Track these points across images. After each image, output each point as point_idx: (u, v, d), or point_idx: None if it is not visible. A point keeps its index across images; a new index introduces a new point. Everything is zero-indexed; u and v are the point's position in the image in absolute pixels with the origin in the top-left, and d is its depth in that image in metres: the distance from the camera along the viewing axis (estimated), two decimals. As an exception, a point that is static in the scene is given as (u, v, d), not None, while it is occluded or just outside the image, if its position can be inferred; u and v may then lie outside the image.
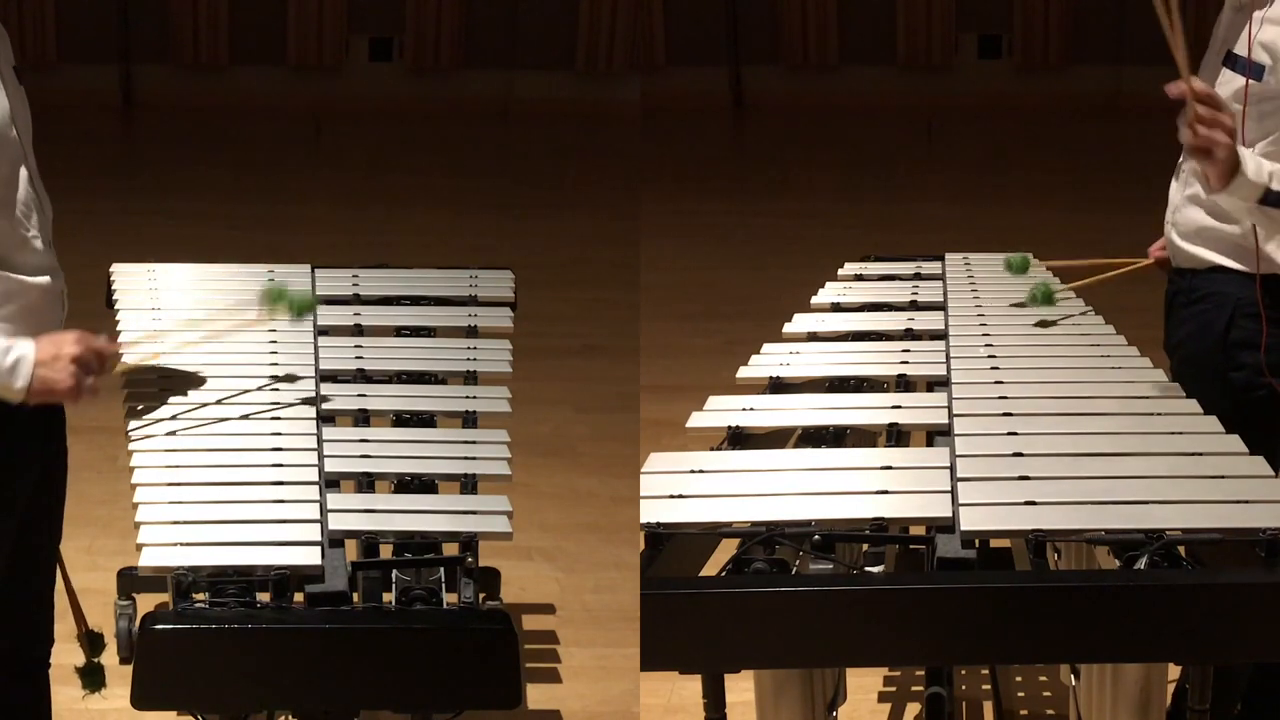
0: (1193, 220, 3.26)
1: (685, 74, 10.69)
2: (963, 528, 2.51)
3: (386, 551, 2.67)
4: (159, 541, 2.53)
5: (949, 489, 2.63)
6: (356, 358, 3.32)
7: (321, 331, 3.45)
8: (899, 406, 3.06)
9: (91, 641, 3.38)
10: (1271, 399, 3.19)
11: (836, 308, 3.72)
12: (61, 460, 3.00)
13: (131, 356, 3.09)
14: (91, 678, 3.39)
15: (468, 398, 3.20)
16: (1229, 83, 3.16)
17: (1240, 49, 3.13)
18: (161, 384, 3.09)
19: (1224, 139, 2.84)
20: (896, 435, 2.98)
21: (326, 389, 3.15)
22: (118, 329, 3.39)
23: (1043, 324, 3.44)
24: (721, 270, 7.64)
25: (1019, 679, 4.00)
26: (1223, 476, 2.62)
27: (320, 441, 2.89)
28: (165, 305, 3.53)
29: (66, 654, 3.25)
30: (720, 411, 3.05)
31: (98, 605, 3.44)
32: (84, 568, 3.30)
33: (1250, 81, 3.10)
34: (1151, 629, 2.30)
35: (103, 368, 2.76)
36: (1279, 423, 3.09)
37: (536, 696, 4.05)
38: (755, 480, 2.71)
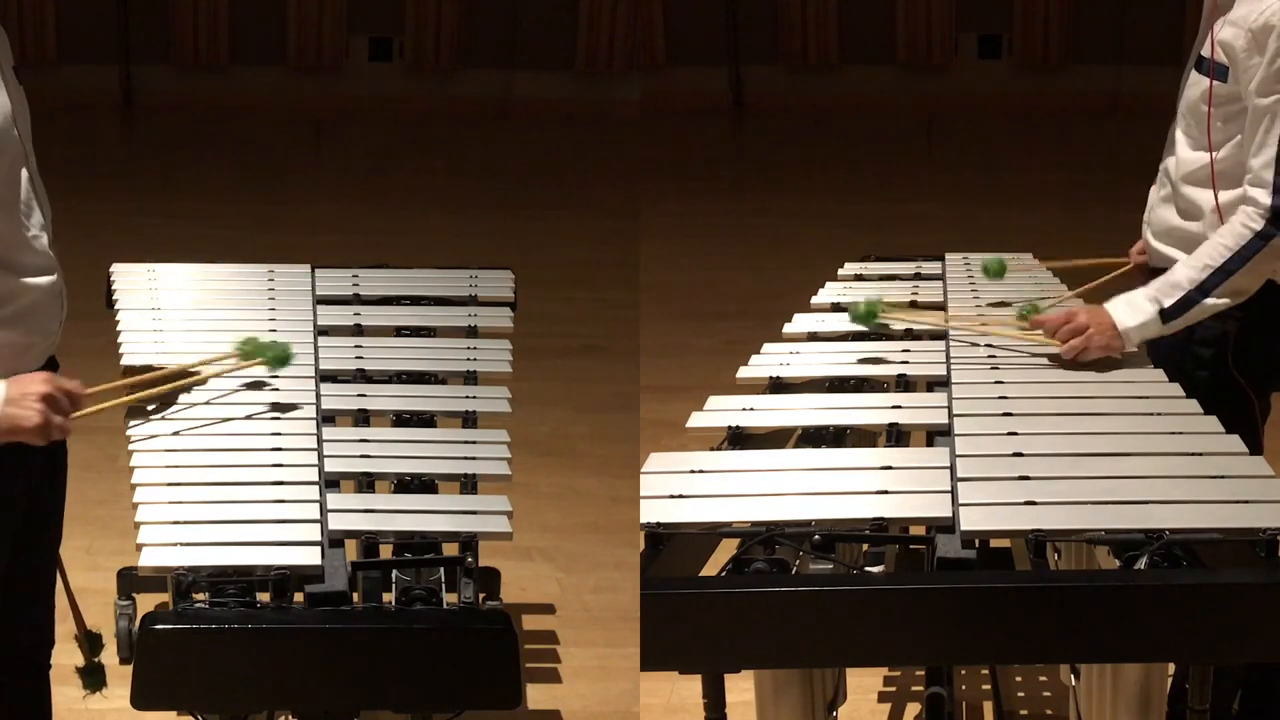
0: (1164, 220, 3.29)
1: (685, 74, 10.69)
2: (963, 528, 2.51)
3: (386, 551, 2.67)
4: (159, 541, 2.53)
5: (949, 489, 2.63)
6: (356, 358, 3.32)
7: (321, 331, 3.45)
8: (899, 406, 3.06)
9: (90, 641, 3.38)
10: (1236, 398, 3.20)
11: (836, 308, 3.72)
12: (62, 460, 3.00)
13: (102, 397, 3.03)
14: (92, 677, 3.39)
15: (468, 398, 3.20)
16: (1196, 85, 3.19)
17: (1207, 51, 3.15)
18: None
19: (1083, 342, 3.14)
20: (896, 435, 2.98)
21: (326, 389, 3.15)
22: (118, 329, 3.39)
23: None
24: (721, 270, 7.64)
25: (1019, 679, 4.00)
26: (1223, 476, 2.62)
27: (320, 441, 2.89)
28: (165, 305, 3.53)
29: (67, 654, 3.25)
30: (720, 411, 3.05)
31: (98, 605, 3.44)
32: (84, 568, 3.30)
33: (1214, 83, 3.12)
34: (1151, 629, 2.30)
35: (74, 407, 2.73)
36: (1245, 421, 3.11)
37: (536, 696, 4.05)
38: (755, 480, 2.71)
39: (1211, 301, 3.11)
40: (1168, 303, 3.13)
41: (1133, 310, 3.16)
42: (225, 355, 3.11)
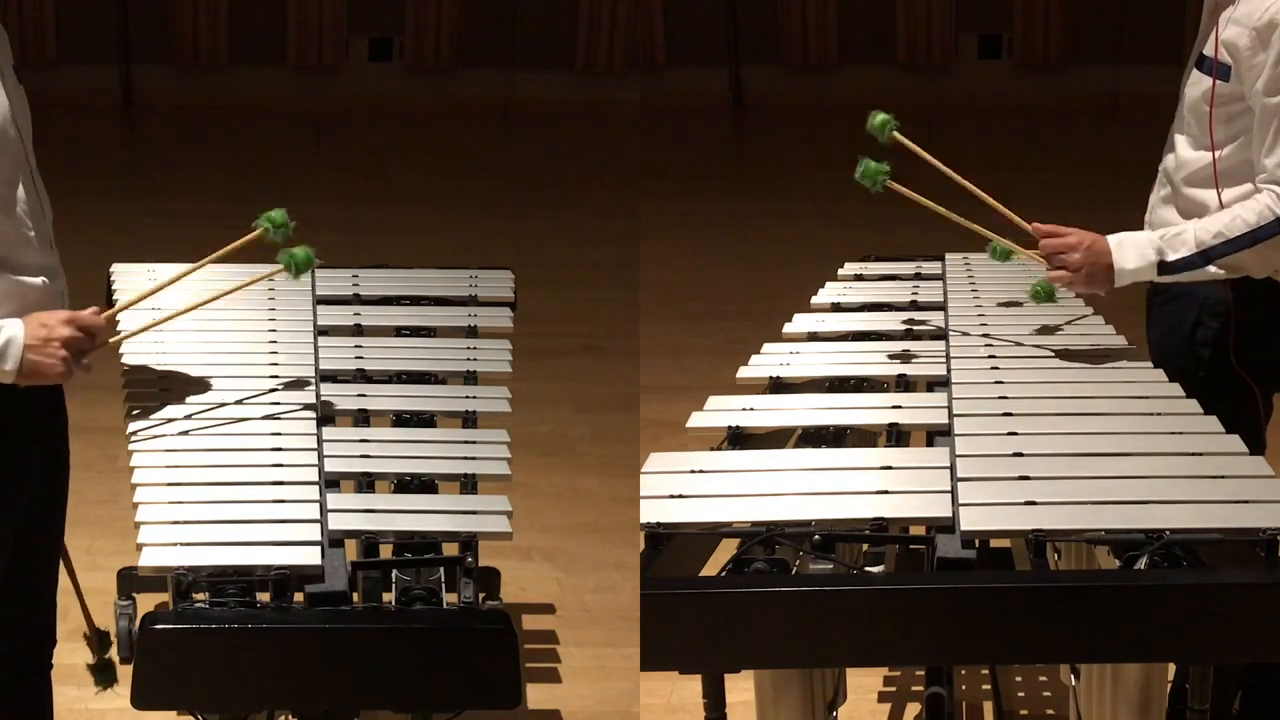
0: (1165, 221, 3.29)
1: (685, 74, 10.68)
2: (963, 528, 2.51)
3: (386, 551, 2.67)
4: (159, 541, 2.53)
5: (949, 489, 2.63)
6: (356, 358, 3.32)
7: (321, 331, 3.45)
8: (899, 406, 3.06)
9: (99, 639, 3.38)
10: (1239, 398, 3.20)
11: (836, 308, 3.72)
12: (63, 460, 3.00)
13: (127, 323, 3.08)
14: (104, 674, 3.39)
15: (468, 398, 3.20)
16: (1197, 84, 3.19)
17: (1210, 50, 3.15)
18: (161, 384, 3.09)
19: (1068, 279, 3.20)
20: (896, 435, 2.98)
21: (326, 389, 3.15)
22: (118, 329, 3.39)
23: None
24: (721, 270, 7.64)
25: (1019, 679, 4.00)
26: (1223, 476, 2.62)
27: (320, 441, 2.89)
28: (165, 305, 3.52)
29: (68, 654, 3.25)
30: (720, 411, 3.05)
31: (98, 605, 3.44)
32: (84, 568, 3.30)
33: (1217, 82, 3.12)
34: (1151, 629, 2.30)
35: (94, 343, 2.75)
36: (1249, 420, 3.11)
37: (536, 696, 4.05)
38: (755, 480, 2.71)
39: (1212, 269, 3.13)
40: (1171, 257, 3.14)
41: (1136, 253, 3.16)
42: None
